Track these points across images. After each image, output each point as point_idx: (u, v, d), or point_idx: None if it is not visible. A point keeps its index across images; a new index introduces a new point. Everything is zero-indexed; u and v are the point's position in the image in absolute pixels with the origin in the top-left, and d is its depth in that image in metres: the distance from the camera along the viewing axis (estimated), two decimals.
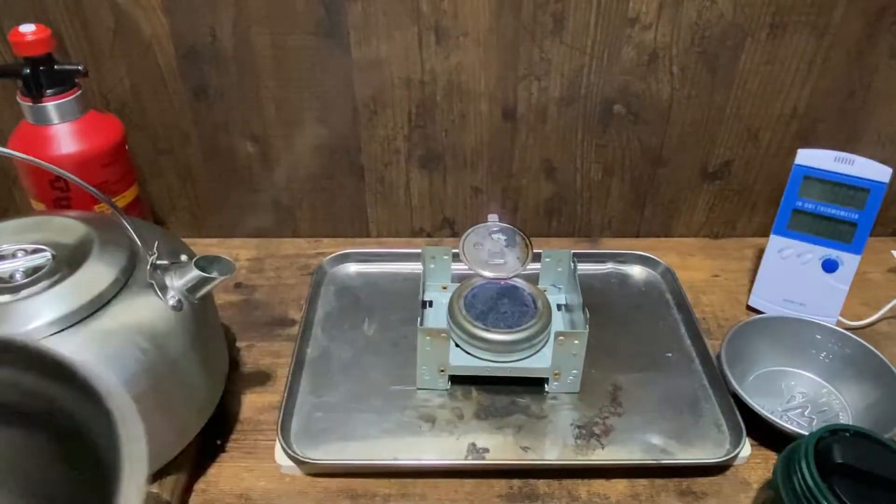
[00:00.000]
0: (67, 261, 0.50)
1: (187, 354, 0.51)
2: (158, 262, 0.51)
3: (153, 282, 0.51)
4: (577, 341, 0.61)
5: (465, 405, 0.63)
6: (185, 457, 0.55)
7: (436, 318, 0.69)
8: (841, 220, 0.68)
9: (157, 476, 0.52)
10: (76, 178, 0.48)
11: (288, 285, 0.78)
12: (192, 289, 0.52)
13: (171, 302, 0.51)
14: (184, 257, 0.53)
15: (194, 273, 0.51)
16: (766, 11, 0.71)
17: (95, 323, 0.47)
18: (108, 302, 0.48)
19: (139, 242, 0.51)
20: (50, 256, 0.50)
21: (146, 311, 0.50)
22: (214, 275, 0.52)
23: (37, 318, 0.45)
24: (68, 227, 0.53)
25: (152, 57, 0.73)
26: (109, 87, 0.75)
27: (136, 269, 0.51)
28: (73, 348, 0.45)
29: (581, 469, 0.58)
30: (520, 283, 0.68)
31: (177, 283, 0.51)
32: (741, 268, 0.82)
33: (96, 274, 0.49)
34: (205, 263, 0.52)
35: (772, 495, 0.50)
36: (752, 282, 0.75)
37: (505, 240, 0.67)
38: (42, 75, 0.62)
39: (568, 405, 0.63)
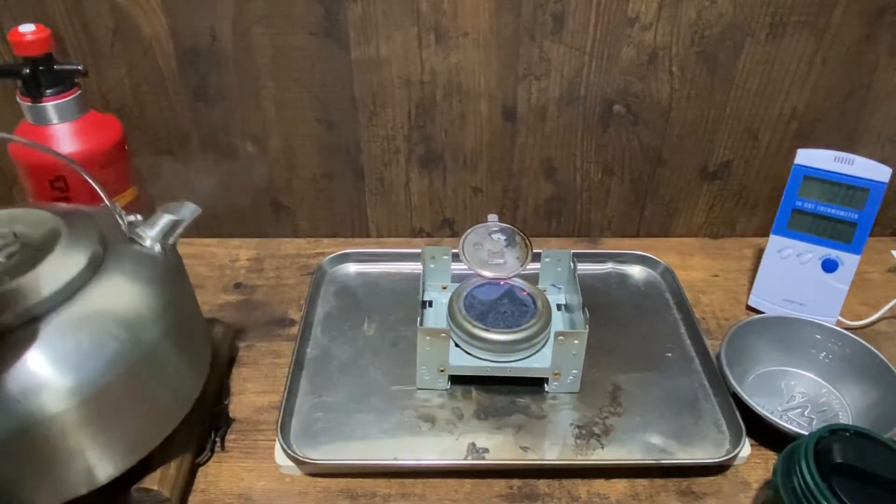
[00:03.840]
0: (35, 251, 0.49)
1: (163, 340, 0.51)
2: (130, 219, 0.55)
3: (132, 236, 0.54)
4: (576, 341, 0.61)
5: (465, 405, 0.63)
6: (185, 457, 0.55)
7: (436, 318, 0.69)
8: (841, 220, 0.68)
9: (156, 476, 0.52)
10: (78, 167, 0.47)
11: (288, 285, 0.78)
12: (167, 234, 0.56)
13: (156, 250, 0.54)
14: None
15: (165, 218, 0.56)
16: (766, 11, 0.71)
17: (67, 311, 0.47)
18: (79, 289, 0.48)
19: (110, 204, 0.54)
20: (18, 247, 0.50)
21: (119, 297, 0.50)
22: (183, 216, 0.56)
23: (6, 309, 0.45)
24: (39, 218, 0.53)
25: (152, 57, 0.73)
26: (109, 87, 0.75)
27: (105, 257, 0.51)
28: (47, 337, 0.45)
29: (581, 469, 0.58)
30: (520, 282, 0.68)
31: (150, 232, 0.55)
32: (741, 268, 0.82)
33: (65, 262, 0.48)
34: (171, 209, 0.57)
35: (772, 495, 0.50)
36: (751, 282, 0.75)
37: (505, 240, 0.67)
38: (42, 75, 0.62)
39: (568, 405, 0.63)
